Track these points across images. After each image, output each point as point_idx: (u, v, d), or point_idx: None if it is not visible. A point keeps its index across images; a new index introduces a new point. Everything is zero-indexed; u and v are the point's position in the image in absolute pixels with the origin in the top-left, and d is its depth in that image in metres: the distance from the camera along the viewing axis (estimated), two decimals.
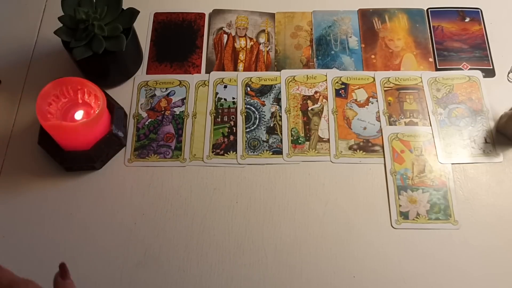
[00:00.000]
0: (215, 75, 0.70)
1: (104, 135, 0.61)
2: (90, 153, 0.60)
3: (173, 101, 0.68)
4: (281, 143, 0.65)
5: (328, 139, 0.66)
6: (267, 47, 0.73)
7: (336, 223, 0.60)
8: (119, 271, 0.58)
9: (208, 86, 0.70)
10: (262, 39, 0.73)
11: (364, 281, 0.57)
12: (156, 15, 0.75)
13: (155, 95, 0.69)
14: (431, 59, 0.72)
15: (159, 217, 0.61)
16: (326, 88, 0.69)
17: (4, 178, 0.63)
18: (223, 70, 0.71)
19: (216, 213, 0.61)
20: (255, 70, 0.71)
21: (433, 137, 0.66)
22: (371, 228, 0.60)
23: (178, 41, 0.73)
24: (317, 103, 0.68)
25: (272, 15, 0.75)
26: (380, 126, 0.67)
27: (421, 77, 0.70)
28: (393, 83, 0.69)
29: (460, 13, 0.75)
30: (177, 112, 0.68)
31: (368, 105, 0.68)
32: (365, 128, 0.67)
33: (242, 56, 0.72)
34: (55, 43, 0.69)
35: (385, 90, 0.69)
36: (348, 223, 0.60)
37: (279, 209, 0.61)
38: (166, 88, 0.69)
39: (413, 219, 0.61)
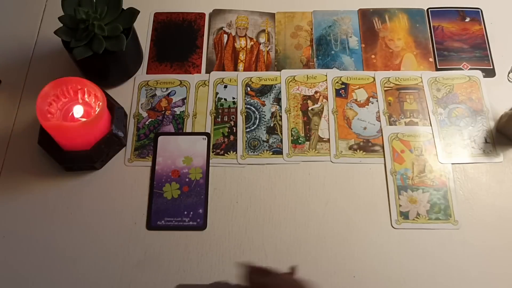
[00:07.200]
0: (215, 75, 0.70)
1: (104, 135, 0.61)
2: (90, 153, 0.60)
3: (173, 101, 0.68)
4: (281, 143, 0.65)
5: (328, 139, 0.66)
6: (267, 47, 0.73)
7: (336, 223, 0.60)
8: (119, 271, 0.58)
9: (208, 86, 0.69)
10: (262, 39, 0.73)
11: (364, 281, 0.57)
12: (156, 15, 0.75)
13: (155, 95, 0.69)
14: (431, 59, 0.72)
15: None
16: (326, 88, 0.69)
17: (4, 178, 0.63)
18: (223, 70, 0.71)
19: (216, 213, 0.61)
20: (255, 70, 0.71)
21: (433, 137, 0.66)
22: (371, 228, 0.60)
23: (178, 41, 0.73)
24: (317, 103, 0.68)
25: (272, 15, 0.75)
26: (380, 126, 0.66)
27: (421, 77, 0.70)
28: (393, 83, 0.69)
29: (460, 13, 0.75)
30: (178, 112, 0.68)
31: (368, 105, 0.68)
32: (365, 128, 0.67)
33: (242, 56, 0.72)
34: (55, 43, 0.69)
35: (385, 90, 0.69)
36: (348, 223, 0.60)
37: (279, 209, 0.61)
38: (167, 88, 0.69)
39: (413, 219, 0.61)
